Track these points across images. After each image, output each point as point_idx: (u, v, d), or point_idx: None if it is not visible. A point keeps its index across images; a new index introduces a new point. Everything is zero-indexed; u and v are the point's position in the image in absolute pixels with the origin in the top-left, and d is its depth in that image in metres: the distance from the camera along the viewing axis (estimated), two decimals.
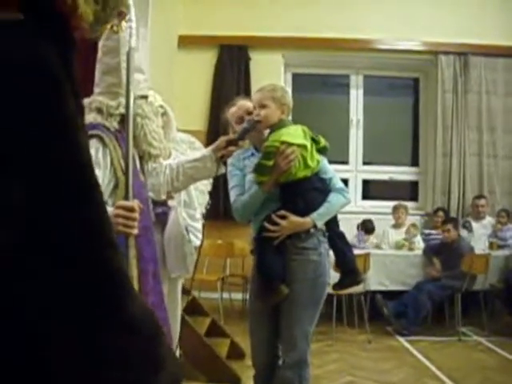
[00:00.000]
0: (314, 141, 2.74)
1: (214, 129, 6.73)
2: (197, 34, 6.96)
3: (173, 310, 3.10)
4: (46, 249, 0.80)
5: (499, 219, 6.72)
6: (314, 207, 2.69)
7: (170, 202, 3.10)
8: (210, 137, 6.75)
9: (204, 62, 7.12)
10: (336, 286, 2.84)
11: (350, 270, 2.84)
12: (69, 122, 0.89)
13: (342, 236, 2.87)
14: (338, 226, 2.84)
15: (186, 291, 4.05)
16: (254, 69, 7.10)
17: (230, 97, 6.85)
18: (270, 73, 7.04)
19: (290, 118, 2.86)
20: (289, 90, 7.37)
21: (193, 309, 4.39)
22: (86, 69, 4.20)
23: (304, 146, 2.67)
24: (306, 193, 2.70)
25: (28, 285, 0.78)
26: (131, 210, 1.88)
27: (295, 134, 2.69)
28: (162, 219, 3.10)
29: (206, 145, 6.29)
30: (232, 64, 7.05)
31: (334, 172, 2.85)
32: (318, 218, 2.68)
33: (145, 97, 2.22)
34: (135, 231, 1.91)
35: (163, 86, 5.85)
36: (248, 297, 3.01)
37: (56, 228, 0.81)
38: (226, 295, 6.25)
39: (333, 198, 2.74)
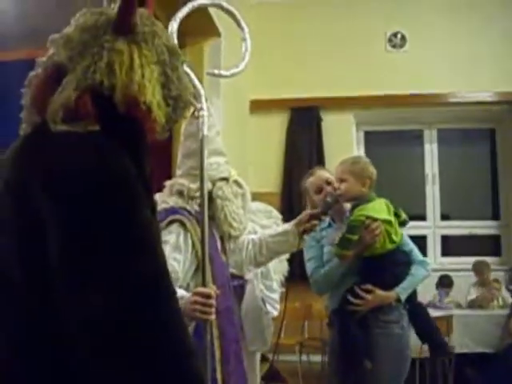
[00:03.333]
0: (396, 215, 2.74)
1: (288, 191, 6.78)
2: (268, 98, 7.11)
3: (252, 382, 3.09)
4: (125, 357, 0.84)
5: None
6: (399, 280, 2.69)
7: (247, 275, 3.13)
8: (285, 199, 6.80)
9: (276, 125, 7.23)
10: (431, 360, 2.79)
11: (437, 343, 2.78)
12: (147, 239, 0.94)
13: (423, 308, 2.84)
14: (416, 297, 2.81)
15: (264, 358, 4.03)
16: (326, 129, 7.14)
17: (303, 158, 7.00)
18: (341, 132, 7.08)
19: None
20: (361, 148, 7.47)
21: (271, 376, 4.34)
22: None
23: (389, 222, 2.68)
24: (390, 267, 2.71)
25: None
26: (208, 296, 1.91)
27: (380, 208, 2.71)
28: (238, 292, 3.12)
29: (281, 207, 6.39)
30: (304, 125, 7.12)
31: (413, 244, 2.84)
32: (403, 291, 2.68)
33: (225, 179, 2.28)
34: (212, 317, 1.94)
35: (237, 150, 5.98)
36: (328, 372, 2.96)
37: (133, 331, 0.85)
38: (304, 357, 6.15)
39: (415, 271, 2.75)
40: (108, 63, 0.99)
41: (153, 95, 1.02)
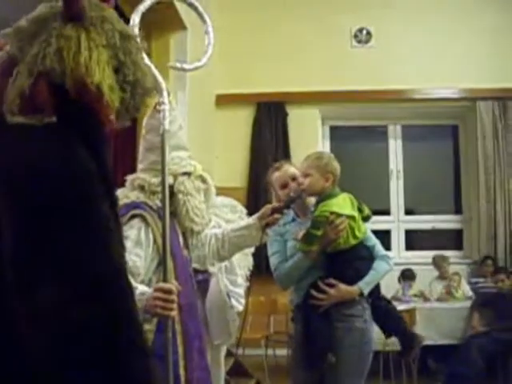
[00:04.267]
0: (359, 210, 2.76)
1: (254, 185, 6.78)
2: (234, 93, 7.09)
3: (216, 376, 3.08)
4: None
5: None
6: (361, 275, 2.71)
7: (211, 269, 3.11)
8: (251, 193, 6.81)
9: (242, 120, 7.22)
10: (402, 356, 2.81)
11: (405, 334, 2.81)
12: (103, 236, 0.92)
13: (387, 301, 2.87)
14: (379, 291, 2.83)
15: (230, 353, 4.02)
16: (292, 124, 7.16)
17: (269, 153, 7.00)
18: (307, 127, 7.13)
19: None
20: (327, 142, 7.52)
21: (236, 371, 4.35)
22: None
23: (352, 217, 2.69)
24: (353, 261, 2.72)
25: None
26: (169, 292, 1.89)
27: (344, 204, 2.72)
28: (203, 286, 3.11)
29: (247, 201, 6.37)
30: (270, 120, 7.14)
31: (376, 239, 2.86)
32: (365, 286, 2.70)
33: (187, 173, 2.26)
34: (174, 313, 1.93)
35: (202, 145, 5.95)
36: (292, 366, 2.97)
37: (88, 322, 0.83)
38: (270, 351, 6.17)
39: (378, 265, 2.77)
40: (57, 49, 0.98)
41: (102, 77, 1.01)
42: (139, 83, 1.09)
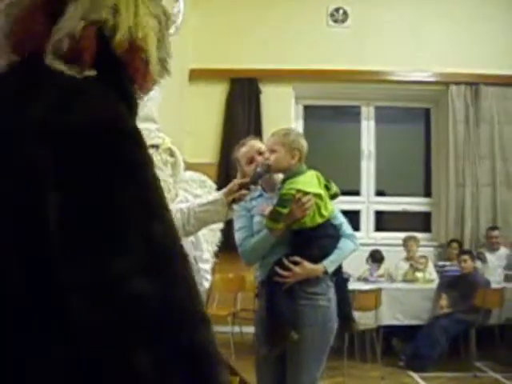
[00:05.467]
0: (327, 187, 2.75)
1: (226, 161, 6.74)
2: (207, 68, 7.02)
3: None
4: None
5: None
6: (327, 253, 2.70)
7: None
8: (222, 169, 6.77)
9: (215, 95, 7.17)
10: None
11: (347, 316, 2.84)
12: (154, 184, 0.87)
13: (345, 282, 2.89)
14: (341, 270, 2.85)
15: None
16: (265, 101, 7.14)
17: (241, 129, 6.94)
18: (280, 105, 7.09)
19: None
20: (300, 121, 7.50)
21: None
22: None
23: (319, 195, 2.68)
24: (319, 239, 2.71)
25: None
26: None
27: (311, 182, 2.70)
28: None
29: (218, 177, 6.34)
30: (243, 97, 7.10)
31: (343, 217, 2.86)
32: (330, 264, 2.69)
33: (155, 146, 2.21)
34: None
35: (174, 119, 5.88)
36: (255, 343, 2.96)
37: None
38: (237, 329, 6.20)
39: (343, 244, 2.76)
40: (114, 4, 0.92)
41: (153, 47, 0.97)
42: (166, 62, 1.04)
